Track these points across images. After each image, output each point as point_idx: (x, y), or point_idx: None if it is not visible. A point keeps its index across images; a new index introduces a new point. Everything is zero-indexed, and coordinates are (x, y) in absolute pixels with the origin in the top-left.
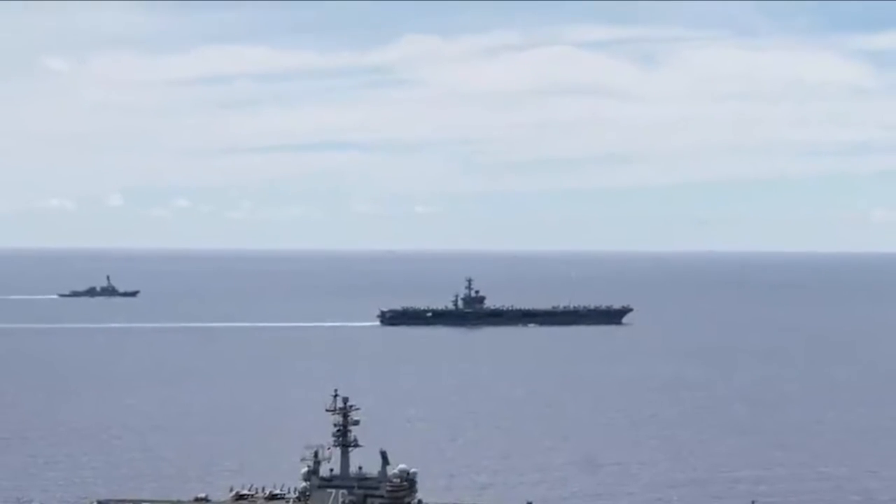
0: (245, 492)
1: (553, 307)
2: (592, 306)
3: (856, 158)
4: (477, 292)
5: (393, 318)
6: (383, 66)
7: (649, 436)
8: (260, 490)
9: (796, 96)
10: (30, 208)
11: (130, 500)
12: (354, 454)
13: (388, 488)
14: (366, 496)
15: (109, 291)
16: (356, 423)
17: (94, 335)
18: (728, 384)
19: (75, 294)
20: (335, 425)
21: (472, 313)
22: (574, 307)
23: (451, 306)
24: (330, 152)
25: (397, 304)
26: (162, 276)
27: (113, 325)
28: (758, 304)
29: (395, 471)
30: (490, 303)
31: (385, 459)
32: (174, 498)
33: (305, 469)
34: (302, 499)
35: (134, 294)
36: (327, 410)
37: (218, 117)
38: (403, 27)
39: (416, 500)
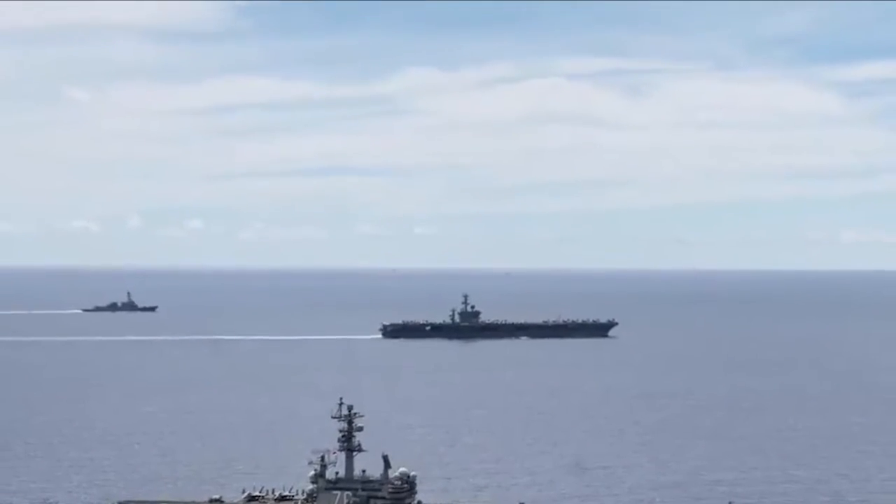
0: (257, 493)
1: (544, 321)
2: (580, 320)
3: (828, 183)
4: (472, 307)
5: (394, 332)
6: (385, 96)
7: (633, 441)
8: (270, 492)
9: (773, 125)
10: (55, 229)
11: (149, 501)
12: (358, 458)
13: (390, 490)
14: (369, 497)
15: (130, 306)
16: (360, 429)
17: (115, 347)
18: (707, 393)
19: (98, 309)
20: (340, 431)
21: (468, 327)
22: (563, 321)
23: (448, 320)
24: (335, 177)
25: (398, 319)
26: (178, 293)
27: (133, 337)
28: (735, 319)
29: (397, 474)
30: (485, 317)
31: (387, 463)
32: (190, 499)
33: (313, 472)
34: (310, 500)
35: (152, 309)
36: (333, 417)
37: (229, 144)
38: (404, 60)
39: (416, 502)
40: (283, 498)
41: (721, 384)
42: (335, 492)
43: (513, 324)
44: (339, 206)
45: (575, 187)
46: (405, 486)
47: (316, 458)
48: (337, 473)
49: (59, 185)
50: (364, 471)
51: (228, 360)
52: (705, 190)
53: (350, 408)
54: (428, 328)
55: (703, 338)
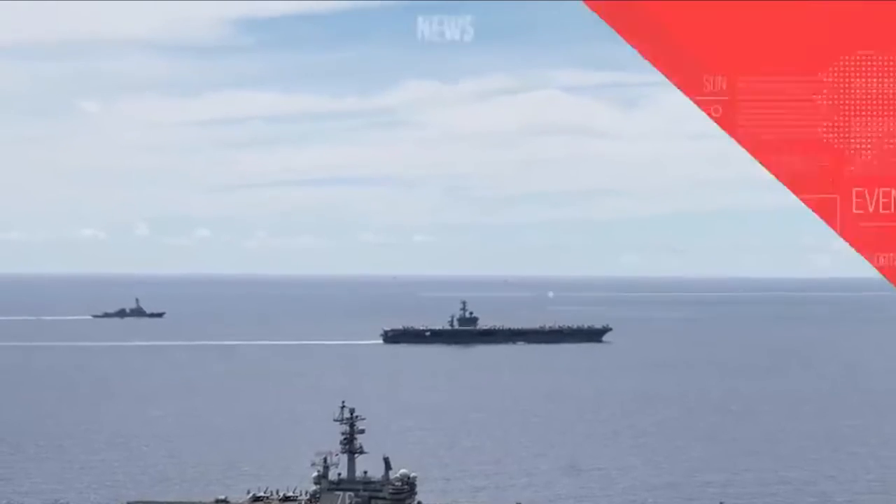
0: (261, 494)
1: (540, 326)
2: (575, 326)
3: None
4: (471, 313)
5: (394, 337)
6: (386, 108)
7: (627, 443)
8: (275, 493)
9: None
10: (65, 237)
11: (157, 502)
12: (360, 460)
13: (391, 491)
14: (370, 498)
15: (138, 313)
16: (361, 431)
17: (123, 352)
18: (699, 396)
19: (107, 315)
20: (342, 434)
21: (466, 332)
22: (559, 327)
23: (447, 326)
24: (337, 187)
25: (398, 324)
26: (186, 299)
27: (141, 343)
28: (727, 323)
29: (397, 475)
30: (482, 323)
31: (388, 465)
32: (196, 500)
33: (316, 473)
34: (313, 501)
35: (160, 315)
36: (335, 420)
37: (234, 155)
38: (405, 73)
39: (416, 502)
40: (286, 498)
41: (714, 388)
42: (337, 492)
43: (510, 329)
44: (341, 215)
45: (570, 197)
46: (405, 486)
47: (319, 460)
48: (339, 475)
49: (67, 194)
50: (366, 472)
51: (234, 364)
52: (698, 199)
53: (352, 411)
54: (427, 333)
55: (696, 343)
